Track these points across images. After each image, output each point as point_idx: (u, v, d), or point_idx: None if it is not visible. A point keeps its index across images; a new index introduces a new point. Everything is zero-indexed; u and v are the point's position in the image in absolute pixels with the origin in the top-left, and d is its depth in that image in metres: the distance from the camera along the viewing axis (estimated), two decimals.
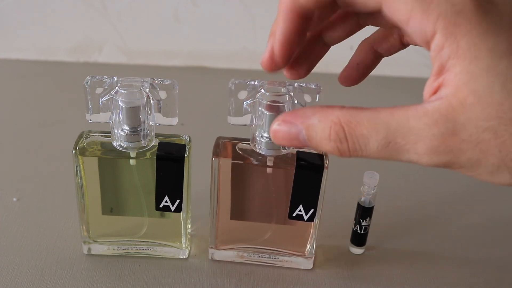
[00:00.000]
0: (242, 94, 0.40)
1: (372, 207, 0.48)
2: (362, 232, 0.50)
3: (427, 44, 0.26)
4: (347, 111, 0.27)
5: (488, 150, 0.25)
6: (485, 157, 0.25)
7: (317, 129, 0.28)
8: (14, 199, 0.55)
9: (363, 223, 0.49)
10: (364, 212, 0.48)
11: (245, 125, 0.42)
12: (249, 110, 0.41)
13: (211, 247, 0.48)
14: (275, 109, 0.40)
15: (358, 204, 0.49)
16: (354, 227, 0.50)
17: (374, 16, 0.32)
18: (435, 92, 0.26)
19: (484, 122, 0.25)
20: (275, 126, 0.30)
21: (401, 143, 0.26)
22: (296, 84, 0.40)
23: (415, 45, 0.29)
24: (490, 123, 0.25)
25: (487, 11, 0.25)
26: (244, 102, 0.41)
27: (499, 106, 0.24)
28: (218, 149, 0.44)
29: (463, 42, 0.25)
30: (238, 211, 0.47)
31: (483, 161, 0.26)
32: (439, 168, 0.27)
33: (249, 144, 0.43)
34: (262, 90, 0.40)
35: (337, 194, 0.57)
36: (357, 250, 0.51)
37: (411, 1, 0.25)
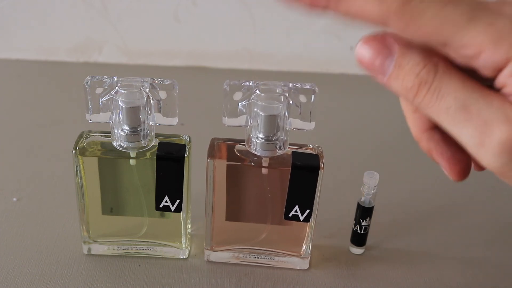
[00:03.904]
0: (237, 95, 0.40)
1: (372, 207, 0.48)
2: (362, 232, 0.50)
3: (496, 72, 0.26)
4: (449, 61, 0.27)
5: None
6: None
7: (413, 60, 0.27)
8: (14, 199, 0.55)
9: (363, 223, 0.49)
10: (364, 212, 0.48)
11: (240, 126, 0.42)
12: (244, 111, 0.41)
13: (207, 249, 0.48)
14: (270, 110, 0.40)
15: (358, 204, 0.49)
16: (354, 227, 0.50)
17: None
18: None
19: None
20: (369, 37, 0.28)
21: (475, 115, 0.26)
22: (291, 84, 0.40)
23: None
24: None
25: None
26: (239, 103, 0.41)
27: None
28: (213, 151, 0.44)
29: None
30: (234, 212, 0.46)
31: None
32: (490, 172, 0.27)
33: (244, 145, 0.43)
34: (257, 91, 0.40)
35: (337, 194, 0.57)
36: (357, 250, 0.51)
37: (480, 36, 0.25)
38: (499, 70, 0.26)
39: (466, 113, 0.26)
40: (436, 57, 0.27)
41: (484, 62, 0.26)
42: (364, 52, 0.28)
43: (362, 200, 0.48)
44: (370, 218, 0.49)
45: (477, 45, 0.25)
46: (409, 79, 0.27)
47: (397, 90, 0.28)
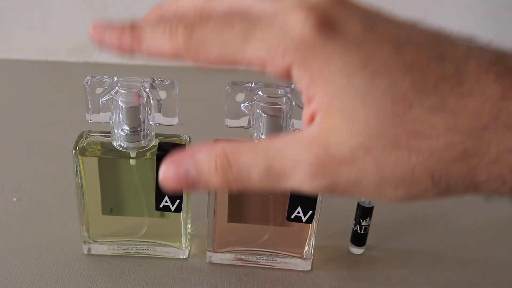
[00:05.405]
0: (240, 97, 0.40)
1: (372, 207, 0.48)
2: (362, 232, 0.50)
3: (289, 79, 0.27)
4: (232, 142, 0.27)
5: (365, 167, 0.25)
6: (364, 175, 0.25)
7: (205, 163, 0.27)
8: (14, 199, 0.55)
9: (363, 223, 0.49)
10: (364, 212, 0.48)
11: (243, 127, 0.42)
12: (247, 112, 0.41)
13: (209, 250, 0.48)
14: (274, 111, 0.40)
15: (358, 204, 0.49)
16: (354, 227, 0.50)
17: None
18: (311, 121, 0.26)
19: (355, 139, 0.24)
20: (162, 170, 0.29)
21: (279, 169, 0.26)
22: (293, 85, 0.40)
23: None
24: (361, 140, 0.24)
25: (329, 36, 0.25)
26: (242, 104, 0.41)
27: (364, 121, 0.24)
28: None
29: (314, 68, 0.25)
30: (236, 214, 0.46)
31: (364, 180, 0.25)
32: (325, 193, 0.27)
33: None
34: (260, 92, 0.40)
35: None
36: (357, 250, 0.51)
37: (257, 50, 0.26)
38: (289, 77, 0.26)
39: (273, 174, 0.26)
40: (220, 143, 0.27)
41: (272, 73, 0.26)
42: (168, 182, 0.29)
43: (362, 200, 0.48)
44: (370, 218, 0.49)
45: (258, 60, 0.26)
46: (215, 178, 0.27)
47: (216, 188, 0.28)
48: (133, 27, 0.30)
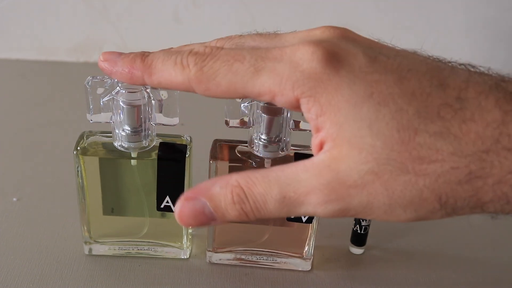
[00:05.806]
0: None
1: None
2: (362, 232, 0.50)
3: (297, 109, 0.28)
4: (244, 173, 0.28)
5: (375, 191, 0.26)
6: (375, 198, 0.26)
7: (221, 196, 0.28)
8: (14, 199, 0.55)
9: (363, 223, 0.49)
10: None
11: (242, 127, 0.42)
12: (247, 112, 0.41)
13: (209, 250, 0.48)
14: (273, 112, 0.40)
15: None
16: (354, 227, 0.50)
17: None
18: (320, 148, 0.27)
19: (364, 166, 0.26)
20: (178, 207, 0.29)
21: (294, 196, 0.27)
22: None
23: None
24: (369, 166, 0.26)
25: (336, 69, 0.26)
26: (242, 104, 0.41)
27: (372, 148, 0.26)
28: (215, 152, 0.44)
29: (322, 100, 0.26)
30: None
31: (374, 202, 0.26)
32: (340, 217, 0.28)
33: (246, 146, 0.43)
34: None
35: None
36: (357, 250, 0.51)
37: (267, 82, 0.27)
38: (297, 108, 0.27)
39: (288, 202, 0.27)
40: (233, 176, 0.28)
41: (282, 104, 0.28)
42: (185, 219, 0.29)
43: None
44: None
45: (268, 91, 0.27)
46: (232, 210, 0.28)
47: (233, 220, 0.29)
48: (144, 56, 0.31)
